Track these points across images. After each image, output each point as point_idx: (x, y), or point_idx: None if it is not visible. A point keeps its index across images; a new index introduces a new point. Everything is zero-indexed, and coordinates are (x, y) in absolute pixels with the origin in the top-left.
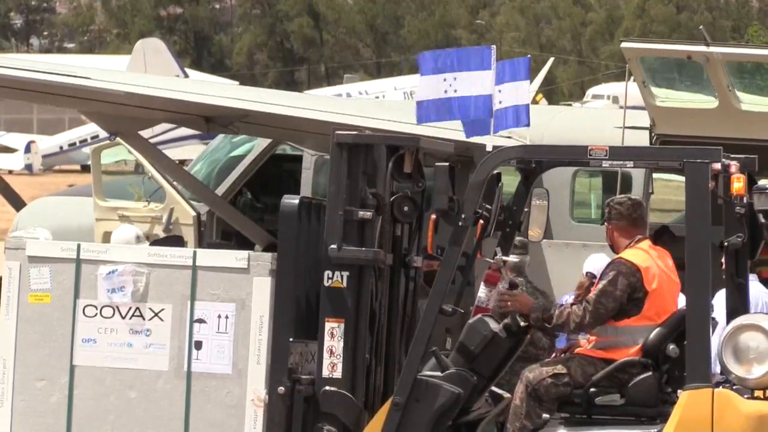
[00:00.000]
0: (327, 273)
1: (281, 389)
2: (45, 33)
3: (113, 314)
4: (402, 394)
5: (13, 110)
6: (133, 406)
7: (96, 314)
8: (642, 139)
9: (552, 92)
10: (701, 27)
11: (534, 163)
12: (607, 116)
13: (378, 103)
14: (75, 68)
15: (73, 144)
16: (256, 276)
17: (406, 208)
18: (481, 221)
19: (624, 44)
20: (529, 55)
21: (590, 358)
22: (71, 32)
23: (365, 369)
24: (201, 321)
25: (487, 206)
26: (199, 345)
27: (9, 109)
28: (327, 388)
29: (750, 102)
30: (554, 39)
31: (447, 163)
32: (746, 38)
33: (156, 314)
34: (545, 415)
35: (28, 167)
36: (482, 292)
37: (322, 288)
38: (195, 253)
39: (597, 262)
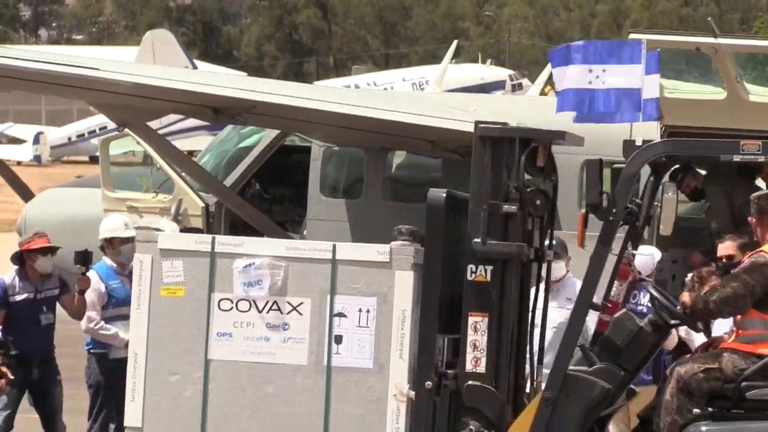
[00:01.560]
0: (470, 267)
1: (428, 384)
2: (53, 24)
3: (249, 308)
4: (552, 389)
5: (22, 101)
6: (271, 401)
7: (231, 308)
8: (651, 130)
9: None
10: (709, 19)
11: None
12: None
13: (387, 94)
14: (83, 59)
15: (82, 135)
16: (398, 270)
17: (538, 202)
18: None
19: (632, 35)
20: (658, 49)
21: (741, 352)
22: (80, 23)
23: (508, 363)
24: (341, 315)
25: (637, 200)
26: (339, 339)
27: (18, 100)
28: (471, 382)
29: (758, 93)
30: (562, 30)
31: (599, 158)
32: (754, 30)
33: (294, 308)
34: (696, 410)
35: (37, 158)
36: (614, 286)
37: (466, 282)
38: (334, 246)
39: (642, 258)
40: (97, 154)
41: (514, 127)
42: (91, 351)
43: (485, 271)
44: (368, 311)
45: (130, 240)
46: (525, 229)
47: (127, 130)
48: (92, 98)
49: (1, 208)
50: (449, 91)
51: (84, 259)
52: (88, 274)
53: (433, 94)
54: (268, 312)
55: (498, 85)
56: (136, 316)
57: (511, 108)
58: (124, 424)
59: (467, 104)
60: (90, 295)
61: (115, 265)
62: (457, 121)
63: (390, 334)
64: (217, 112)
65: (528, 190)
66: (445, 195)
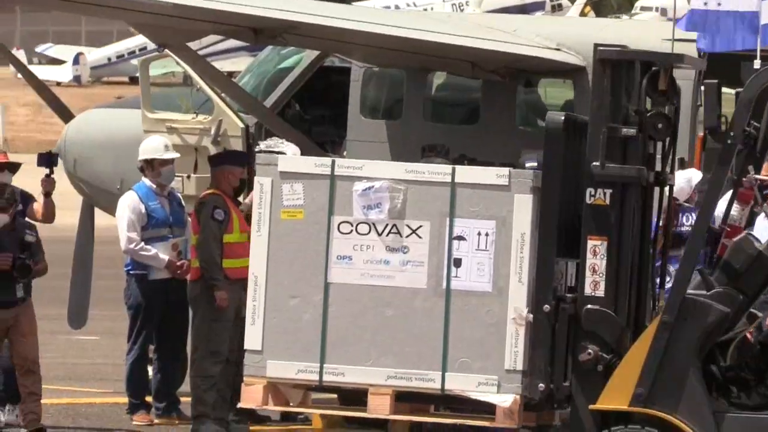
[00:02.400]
0: (589, 190)
1: (546, 307)
2: None
3: (369, 231)
4: (670, 313)
5: (62, 22)
6: (390, 324)
7: (351, 231)
8: (690, 51)
9: (600, 5)
10: None
11: None
12: (655, 28)
13: (427, 15)
14: None
15: (122, 56)
16: (517, 193)
17: (660, 126)
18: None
19: None
20: None
21: None
22: None
23: (628, 287)
24: (460, 238)
25: (755, 124)
26: (458, 262)
27: (57, 21)
28: (590, 306)
29: None
30: None
31: (716, 81)
32: None
33: (414, 231)
34: None
35: (77, 79)
36: (735, 210)
37: (585, 205)
38: (454, 170)
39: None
40: (137, 74)
41: (635, 50)
42: (131, 272)
43: (604, 194)
44: (487, 234)
45: (170, 161)
46: (645, 153)
47: (167, 50)
48: (132, 19)
49: (42, 129)
50: (489, 11)
51: (48, 161)
52: (127, 194)
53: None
54: (387, 235)
55: (538, 6)
56: (256, 239)
57: (552, 28)
58: (245, 347)
59: (507, 25)
60: (130, 216)
61: (154, 186)
62: (497, 41)
63: (509, 258)
64: (257, 32)
65: (649, 113)
66: (563, 118)
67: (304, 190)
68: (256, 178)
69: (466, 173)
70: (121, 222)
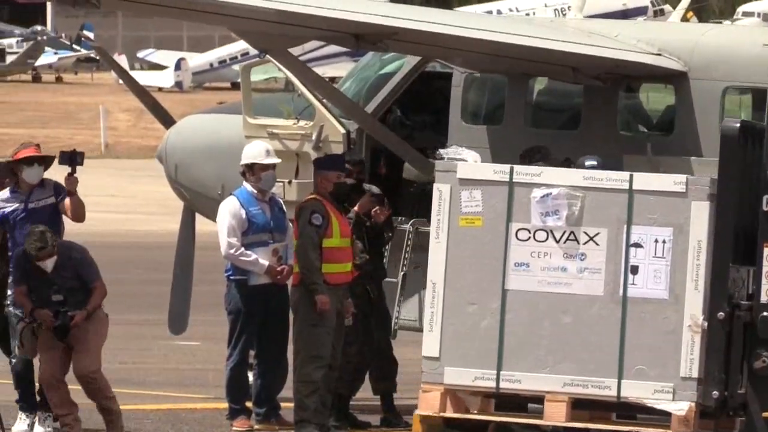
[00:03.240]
0: (766, 197)
1: (721, 315)
2: None
3: (547, 238)
4: None
5: (164, 27)
6: (567, 331)
7: (529, 238)
8: None
9: (702, 9)
10: None
11: None
12: (757, 34)
13: (528, 21)
14: None
15: (223, 61)
16: (694, 200)
17: None
18: None
19: None
20: None
21: None
22: None
23: None
24: (637, 245)
25: None
26: (635, 270)
27: (159, 27)
28: (765, 313)
29: None
30: None
31: None
32: None
33: (591, 238)
34: None
35: (178, 84)
36: None
37: (761, 212)
38: (631, 176)
39: None
40: (239, 80)
41: None
42: (231, 277)
43: None
44: (664, 242)
45: (271, 167)
46: None
47: (268, 56)
48: (234, 25)
49: (143, 135)
50: (590, 16)
51: (70, 158)
52: (228, 199)
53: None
54: (565, 242)
55: (640, 11)
56: (435, 245)
57: (654, 34)
58: (423, 354)
59: (609, 30)
60: (230, 221)
61: (255, 192)
62: (599, 47)
63: (685, 265)
64: (359, 38)
65: None
66: (738, 125)
67: (483, 196)
68: (435, 185)
69: (644, 180)
70: (221, 227)
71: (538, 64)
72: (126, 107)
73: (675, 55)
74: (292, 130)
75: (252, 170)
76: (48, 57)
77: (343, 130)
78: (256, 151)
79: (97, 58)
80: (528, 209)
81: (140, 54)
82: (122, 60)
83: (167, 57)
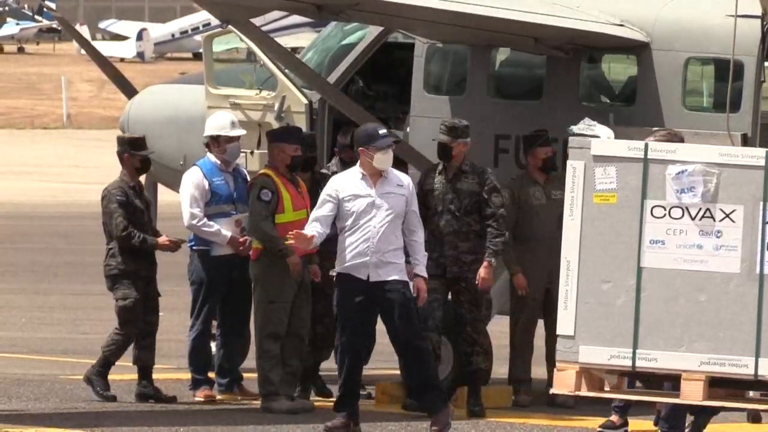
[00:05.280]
0: None
1: None
2: None
3: (682, 215)
4: None
5: None
6: (703, 309)
7: (664, 215)
8: (754, 28)
9: None
10: None
11: None
12: (719, 4)
13: None
14: None
15: (185, 32)
16: None
17: None
18: None
19: None
20: None
21: None
22: None
23: None
24: None
25: None
26: None
27: None
28: None
29: None
30: None
31: None
32: None
33: (727, 215)
34: None
35: (140, 55)
36: None
37: None
38: (767, 153)
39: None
40: (201, 50)
41: None
42: (193, 248)
43: None
44: None
45: (236, 138)
46: None
47: (230, 26)
48: None
49: (105, 105)
50: None
51: None
52: (191, 170)
53: None
54: (700, 219)
55: None
56: (569, 223)
57: (616, 4)
58: (557, 332)
59: (571, 1)
60: (193, 192)
61: (219, 162)
62: (560, 17)
63: None
64: (321, 8)
65: None
66: None
67: (617, 173)
68: (568, 162)
69: None
70: (184, 198)
71: (499, 35)
72: (88, 78)
73: (637, 26)
74: (254, 101)
75: (217, 142)
76: (10, 28)
77: (305, 101)
78: (222, 123)
79: (59, 28)
80: (663, 186)
81: (102, 24)
82: (84, 30)
83: (129, 27)
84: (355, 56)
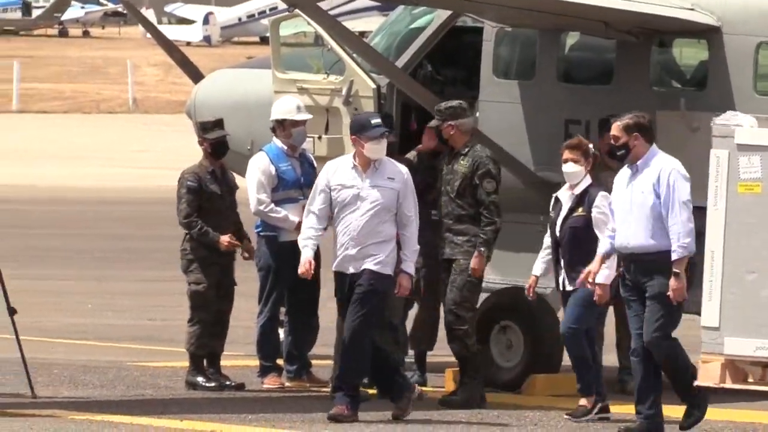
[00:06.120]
0: None
1: None
2: None
3: None
4: None
5: None
6: None
7: None
8: None
9: None
10: None
11: None
12: None
13: None
14: None
15: (252, 15)
16: None
17: None
18: None
19: None
20: None
21: None
22: None
23: None
24: None
25: None
26: None
27: None
28: None
29: None
30: None
31: None
32: None
33: None
34: None
35: (207, 39)
36: None
37: None
38: None
39: None
40: (268, 34)
41: None
42: (261, 234)
43: None
44: None
45: (301, 123)
46: None
47: (297, 10)
48: None
49: (171, 90)
50: None
51: None
52: (257, 155)
53: None
54: None
55: None
56: (713, 213)
57: None
58: (701, 324)
59: None
60: (260, 177)
61: (285, 147)
62: (631, 1)
63: None
64: None
65: None
66: None
67: (762, 162)
68: (712, 151)
69: None
70: (251, 183)
71: (569, 19)
72: (154, 62)
73: (708, 10)
74: (321, 85)
75: (282, 126)
76: (75, 11)
77: (373, 85)
78: (287, 107)
79: (125, 12)
80: None
81: (168, 8)
82: (150, 14)
83: (195, 11)
84: (424, 40)
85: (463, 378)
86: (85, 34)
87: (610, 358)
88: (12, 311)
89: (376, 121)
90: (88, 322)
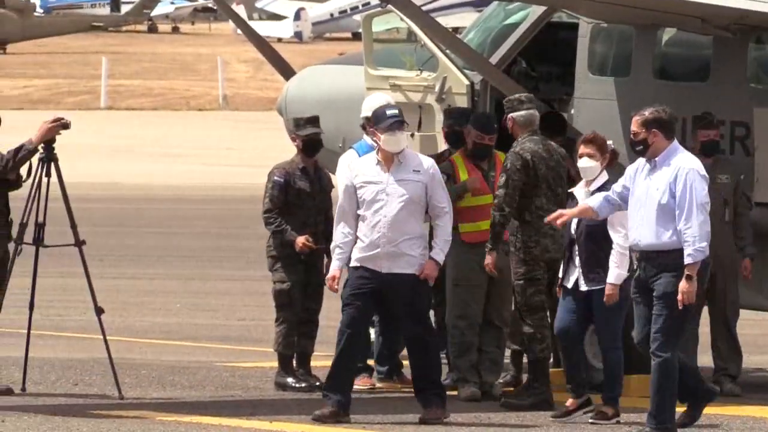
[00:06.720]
0: None
1: None
2: None
3: None
4: None
5: None
6: None
7: None
8: None
9: None
10: None
11: None
12: None
13: None
14: None
15: (344, 11)
16: None
17: None
18: None
19: None
20: None
21: None
22: None
23: None
24: None
25: None
26: None
27: None
28: None
29: None
30: None
31: None
32: None
33: None
34: None
35: (298, 35)
36: None
37: None
38: None
39: None
40: (360, 30)
41: None
42: None
43: None
44: None
45: None
46: None
47: (390, 6)
48: None
49: (261, 87)
50: None
51: None
52: (348, 153)
53: None
54: None
55: None
56: None
57: None
58: None
59: None
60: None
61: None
62: None
63: None
64: None
65: None
66: None
67: None
68: None
69: None
70: (340, 181)
71: (665, 14)
72: (244, 58)
73: None
74: (414, 82)
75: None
76: (164, 7)
77: (466, 82)
78: (377, 103)
79: (215, 8)
80: None
81: (259, 4)
82: (241, 10)
83: (286, 7)
84: (518, 36)
85: (531, 382)
86: (175, 30)
87: (704, 359)
88: (99, 311)
89: (392, 112)
90: (176, 321)
